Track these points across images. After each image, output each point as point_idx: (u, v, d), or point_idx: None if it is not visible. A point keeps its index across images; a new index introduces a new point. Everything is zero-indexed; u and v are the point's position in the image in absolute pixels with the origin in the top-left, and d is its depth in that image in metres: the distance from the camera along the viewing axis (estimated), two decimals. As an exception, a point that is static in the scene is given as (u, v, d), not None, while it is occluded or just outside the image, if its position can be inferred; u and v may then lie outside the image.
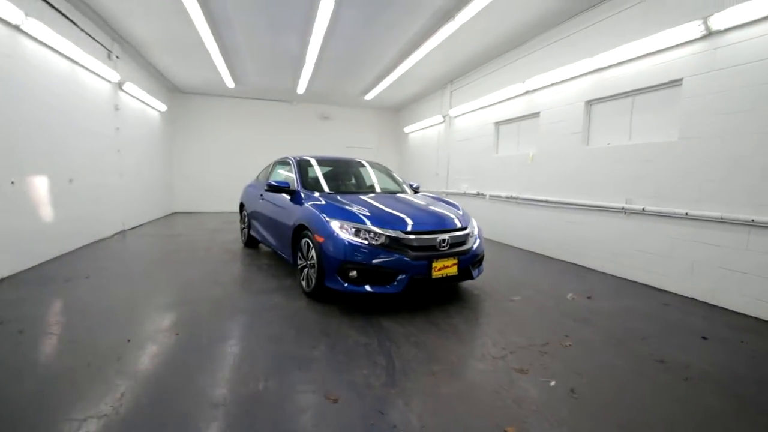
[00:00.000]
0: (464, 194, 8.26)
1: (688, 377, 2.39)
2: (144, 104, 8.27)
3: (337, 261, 3.21)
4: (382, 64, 7.70)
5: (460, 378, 2.32)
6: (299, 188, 4.27)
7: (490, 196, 7.36)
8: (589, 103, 5.28)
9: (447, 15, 5.34)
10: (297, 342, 2.73)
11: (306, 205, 3.88)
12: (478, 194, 7.76)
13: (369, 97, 10.34)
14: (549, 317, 3.38)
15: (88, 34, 5.66)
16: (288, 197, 4.31)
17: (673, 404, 2.09)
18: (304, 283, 3.75)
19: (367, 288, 3.18)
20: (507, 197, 6.89)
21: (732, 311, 3.60)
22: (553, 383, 2.27)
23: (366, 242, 3.19)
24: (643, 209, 4.43)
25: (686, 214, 3.97)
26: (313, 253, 3.50)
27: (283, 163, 5.24)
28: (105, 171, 6.38)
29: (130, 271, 4.53)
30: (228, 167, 11.23)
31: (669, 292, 4.14)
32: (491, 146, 7.49)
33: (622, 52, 4.61)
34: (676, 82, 4.15)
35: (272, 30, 6.05)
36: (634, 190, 4.59)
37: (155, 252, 5.62)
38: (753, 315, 3.46)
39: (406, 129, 11.63)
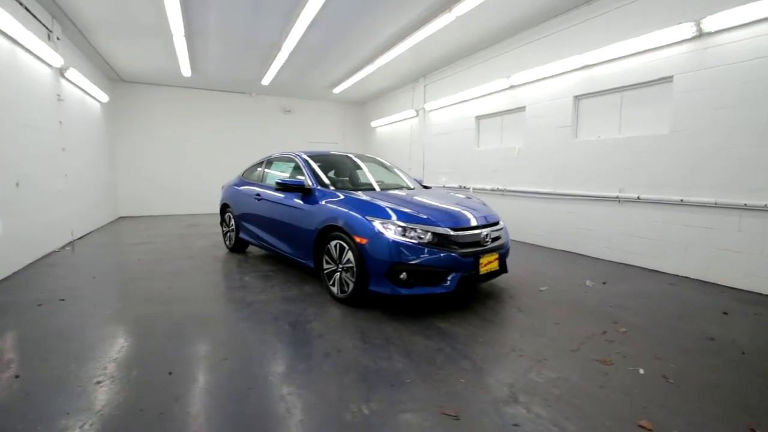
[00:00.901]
0: (443, 187, 8.33)
1: (744, 352, 2.59)
2: (85, 94, 7.14)
3: (387, 263, 3.00)
4: (360, 56, 7.44)
5: (559, 376, 2.27)
6: (315, 186, 3.94)
7: (474, 189, 7.50)
8: (578, 98, 5.56)
9: (443, 6, 5.27)
10: (367, 355, 2.50)
11: (328, 204, 3.59)
12: (460, 187, 7.87)
13: (338, 90, 9.98)
14: (586, 305, 3.49)
15: (27, 9, 4.70)
16: (300, 197, 3.97)
17: (758, 379, 2.24)
18: (335, 289, 3.48)
19: (420, 289, 3.03)
20: (492, 190, 7.06)
21: (725, 286, 4.01)
22: (642, 371, 2.32)
23: (415, 241, 3.03)
24: (638, 197, 4.77)
25: (681, 200, 4.35)
26: (349, 256, 3.25)
27: (283, 160, 4.82)
28: (51, 172, 5.39)
29: (113, 289, 3.88)
30: (180, 165, 10.20)
31: (666, 273, 4.52)
32: (472, 140, 7.62)
33: (613, 50, 4.89)
34: (666, 79, 4.50)
35: (254, 13, 5.51)
36: (628, 180, 4.93)
37: (128, 265, 4.88)
38: (746, 289, 3.89)
39: (374, 123, 11.45)
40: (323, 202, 3.68)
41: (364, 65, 7.91)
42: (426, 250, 3.02)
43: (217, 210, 6.07)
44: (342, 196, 3.64)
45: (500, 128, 7.09)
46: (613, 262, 5.08)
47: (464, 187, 7.77)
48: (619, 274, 4.55)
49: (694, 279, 4.28)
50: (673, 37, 4.30)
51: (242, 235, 5.22)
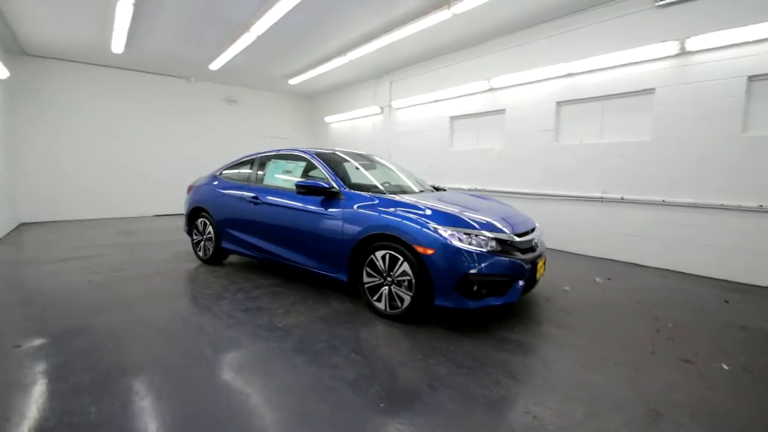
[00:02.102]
0: (459, 191, 8.23)
1: (777, 338, 2.92)
2: (-23, 66, 5.49)
3: (457, 274, 2.75)
4: (334, 46, 6.94)
5: (668, 383, 2.27)
6: (343, 189, 3.49)
7: (449, 188, 7.52)
8: (560, 103, 5.87)
9: (441, 1, 5.12)
10: (473, 381, 2.23)
11: (365, 210, 3.20)
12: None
13: (295, 81, 9.24)
14: (616, 303, 3.65)
15: None
16: (321, 201, 3.49)
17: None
18: (380, 305, 3.12)
19: (489, 301, 2.84)
20: (469, 190, 7.16)
21: (706, 277, 4.55)
22: (726, 367, 2.45)
23: (484, 249, 2.83)
24: (621, 198, 5.20)
25: (663, 201, 4.83)
26: (405, 268, 2.92)
27: (285, 158, 4.21)
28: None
29: (93, 320, 2.97)
30: (104, 159, 8.52)
31: (649, 267, 5.00)
32: (445, 140, 7.65)
33: (598, 61, 5.24)
34: (649, 91, 4.95)
35: (232, -14, 4.74)
36: (611, 182, 5.34)
37: (78, 289, 3.82)
38: (725, 278, 4.45)
39: (328, 119, 10.89)
40: (356, 207, 3.27)
41: (335, 56, 7.41)
42: (494, 258, 2.84)
43: (153, 213, 5.15)
44: (376, 200, 3.28)
45: (476, 129, 7.21)
46: (599, 258, 5.48)
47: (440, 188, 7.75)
48: (614, 269, 4.90)
49: (676, 271, 4.78)
50: (657, 53, 4.73)
51: (225, 244, 4.47)
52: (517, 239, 3.02)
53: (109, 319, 3.04)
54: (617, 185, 5.27)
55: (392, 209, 3.13)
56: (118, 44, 6.69)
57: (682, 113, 4.66)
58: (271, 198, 3.92)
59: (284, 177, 4.04)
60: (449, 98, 7.44)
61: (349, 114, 10.05)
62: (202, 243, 4.77)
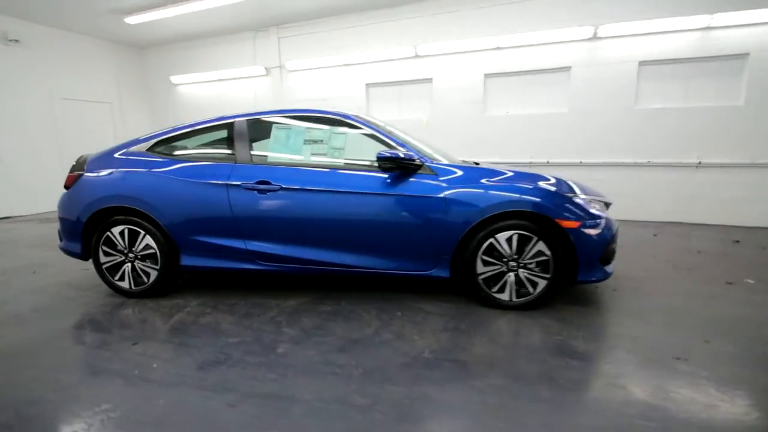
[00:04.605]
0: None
1: None
2: None
3: (602, 243, 2.57)
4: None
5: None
6: (427, 161, 2.67)
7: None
8: (488, 75, 6.20)
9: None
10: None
11: (464, 185, 2.56)
12: (351, 162, 7.14)
13: (135, 20, 6.47)
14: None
15: None
16: (390, 179, 2.60)
17: None
18: (504, 296, 2.62)
19: (610, 267, 2.78)
20: (396, 162, 6.86)
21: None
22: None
23: (606, 214, 2.72)
24: (547, 162, 6.02)
25: (581, 162, 5.85)
26: (540, 247, 2.52)
27: (310, 119, 2.86)
28: None
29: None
30: None
31: (571, 218, 6.02)
32: (360, 110, 7.00)
33: (523, 38, 5.75)
34: (566, 69, 5.78)
35: None
36: (536, 149, 6.09)
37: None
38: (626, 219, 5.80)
39: (177, 78, 8.26)
40: (453, 183, 2.58)
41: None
42: (615, 222, 2.78)
43: None
44: (461, 172, 2.67)
45: (398, 98, 6.88)
46: (531, 216, 6.25)
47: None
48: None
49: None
50: (575, 36, 5.54)
51: (189, 261, 2.82)
52: (609, 202, 3.05)
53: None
54: (542, 151, 6.07)
55: (494, 179, 2.62)
56: None
57: (592, 89, 5.67)
58: (299, 182, 2.65)
59: (315, 149, 2.77)
60: (365, 62, 6.77)
61: (213, 74, 7.90)
62: (129, 266, 2.86)
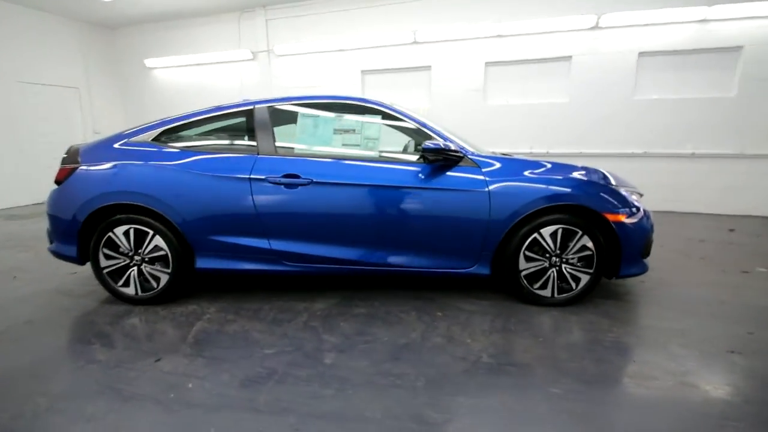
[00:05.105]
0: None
1: None
2: None
3: (644, 236, 2.53)
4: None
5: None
6: (468, 152, 2.51)
7: (367, 153, 6.79)
8: (489, 64, 6.08)
9: None
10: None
11: (510, 178, 2.45)
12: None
13: (107, -5, 5.88)
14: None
15: None
16: (428, 171, 2.44)
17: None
18: (545, 292, 2.53)
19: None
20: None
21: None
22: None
23: (642, 205, 2.68)
24: (547, 152, 6.02)
25: (580, 152, 5.88)
26: (584, 242, 2.44)
27: (334, 107, 2.63)
28: None
29: None
30: None
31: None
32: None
33: (525, 26, 5.67)
34: (567, 58, 5.75)
35: None
36: (536, 138, 6.07)
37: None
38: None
39: (152, 62, 7.65)
40: (495, 176, 2.45)
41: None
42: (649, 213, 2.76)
43: None
44: (500, 164, 2.54)
45: (394, 86, 6.65)
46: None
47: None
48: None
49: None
50: (577, 25, 5.50)
51: (205, 263, 2.55)
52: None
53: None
54: (542, 141, 6.05)
55: (536, 171, 2.52)
56: None
57: (592, 79, 5.68)
58: (333, 175, 2.43)
59: (347, 140, 2.55)
60: (360, 48, 6.49)
61: (193, 58, 7.36)
62: (135, 270, 2.56)
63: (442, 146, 2.35)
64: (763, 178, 5.25)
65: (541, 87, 6.03)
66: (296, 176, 2.43)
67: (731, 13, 4.97)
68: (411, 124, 2.60)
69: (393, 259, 2.54)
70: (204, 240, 2.51)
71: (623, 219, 2.44)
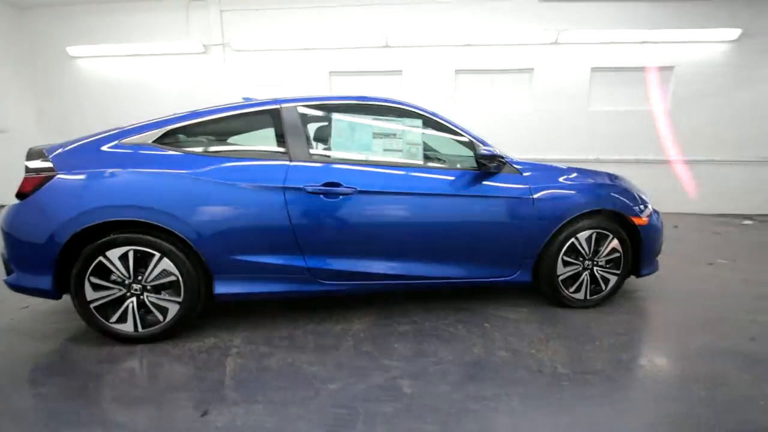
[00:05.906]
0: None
1: None
2: None
3: (660, 238, 2.74)
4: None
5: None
6: (512, 160, 2.50)
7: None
8: (458, 71, 6.22)
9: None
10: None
11: (550, 185, 2.51)
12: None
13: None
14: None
15: None
16: (470, 179, 2.38)
17: None
18: (579, 295, 2.60)
19: (654, 260, 2.98)
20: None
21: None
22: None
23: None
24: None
25: (543, 159, 6.26)
26: (614, 245, 2.56)
27: (381, 110, 2.44)
28: None
29: None
30: None
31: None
32: (322, 99, 6.44)
33: (492, 37, 5.91)
34: (529, 70, 6.10)
35: None
36: (502, 145, 6.31)
37: None
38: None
39: (76, 50, 6.51)
40: (537, 182, 2.49)
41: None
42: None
43: None
44: (537, 171, 2.61)
45: (362, 89, 6.47)
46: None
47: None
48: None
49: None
50: (539, 39, 5.88)
51: (225, 288, 2.16)
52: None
53: None
54: (509, 150, 6.32)
55: (570, 178, 2.61)
56: None
57: (552, 90, 6.11)
58: (379, 184, 2.23)
59: (388, 145, 2.34)
60: (329, 48, 6.21)
61: (129, 47, 6.43)
62: (133, 302, 2.07)
63: (497, 153, 2.30)
64: (699, 179, 6.08)
65: (507, 96, 6.33)
66: (338, 185, 2.18)
67: (666, 36, 5.70)
68: (455, 131, 2.53)
69: (437, 271, 2.41)
70: (226, 260, 2.13)
71: (646, 222, 2.60)
